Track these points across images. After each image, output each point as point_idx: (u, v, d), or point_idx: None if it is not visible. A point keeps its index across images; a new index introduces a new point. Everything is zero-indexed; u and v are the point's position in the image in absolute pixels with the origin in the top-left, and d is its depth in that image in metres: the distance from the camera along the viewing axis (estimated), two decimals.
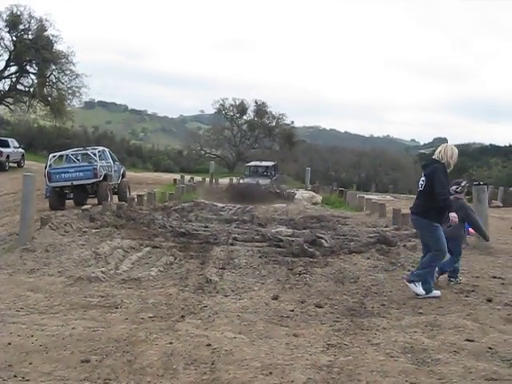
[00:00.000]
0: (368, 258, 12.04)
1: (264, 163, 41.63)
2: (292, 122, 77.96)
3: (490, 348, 6.92)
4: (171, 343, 7.01)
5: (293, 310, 8.64)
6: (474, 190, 14.28)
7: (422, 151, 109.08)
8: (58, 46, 50.01)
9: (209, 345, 6.94)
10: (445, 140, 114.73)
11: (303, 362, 6.44)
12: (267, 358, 6.59)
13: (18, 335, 7.39)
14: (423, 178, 9.40)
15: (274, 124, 74.63)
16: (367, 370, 6.18)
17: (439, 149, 9.46)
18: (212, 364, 6.41)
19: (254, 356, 6.62)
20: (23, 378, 6.09)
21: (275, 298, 9.31)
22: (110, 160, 26.17)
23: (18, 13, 49.10)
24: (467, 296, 9.45)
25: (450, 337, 7.33)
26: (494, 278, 10.83)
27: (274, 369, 6.24)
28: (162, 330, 7.58)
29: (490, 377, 6.03)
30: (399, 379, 5.95)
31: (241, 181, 37.44)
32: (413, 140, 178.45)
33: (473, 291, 9.72)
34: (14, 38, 49.54)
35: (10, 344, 7.06)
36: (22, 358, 6.65)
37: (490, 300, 9.15)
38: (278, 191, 34.86)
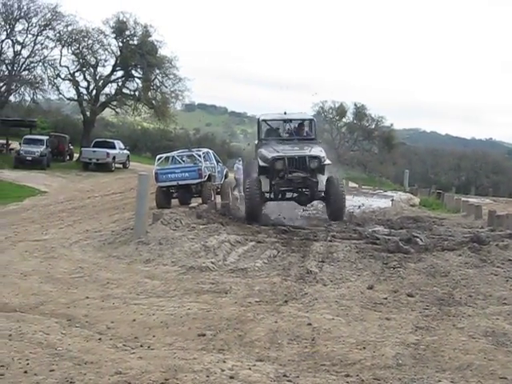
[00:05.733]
0: (460, 255, 12.47)
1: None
2: (391, 125, 76.70)
3: None
4: (276, 322, 7.93)
5: (386, 298, 9.39)
6: None
7: None
8: (161, 51, 51.38)
9: (309, 324, 7.83)
10: None
11: (393, 340, 7.26)
12: (361, 336, 7.44)
13: (141, 314, 8.44)
14: None
15: (373, 126, 74.19)
16: (450, 348, 6.96)
17: None
18: (312, 340, 7.30)
19: (350, 334, 7.48)
20: (148, 347, 7.06)
21: (370, 287, 10.03)
22: (214, 161, 27.00)
23: (124, 19, 50.45)
24: None
25: None
26: None
27: (367, 345, 7.10)
28: (268, 311, 8.49)
29: None
30: (478, 356, 6.68)
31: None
32: None
33: None
34: (120, 44, 51.19)
35: (134, 320, 8.13)
36: (146, 332, 7.67)
37: None
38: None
